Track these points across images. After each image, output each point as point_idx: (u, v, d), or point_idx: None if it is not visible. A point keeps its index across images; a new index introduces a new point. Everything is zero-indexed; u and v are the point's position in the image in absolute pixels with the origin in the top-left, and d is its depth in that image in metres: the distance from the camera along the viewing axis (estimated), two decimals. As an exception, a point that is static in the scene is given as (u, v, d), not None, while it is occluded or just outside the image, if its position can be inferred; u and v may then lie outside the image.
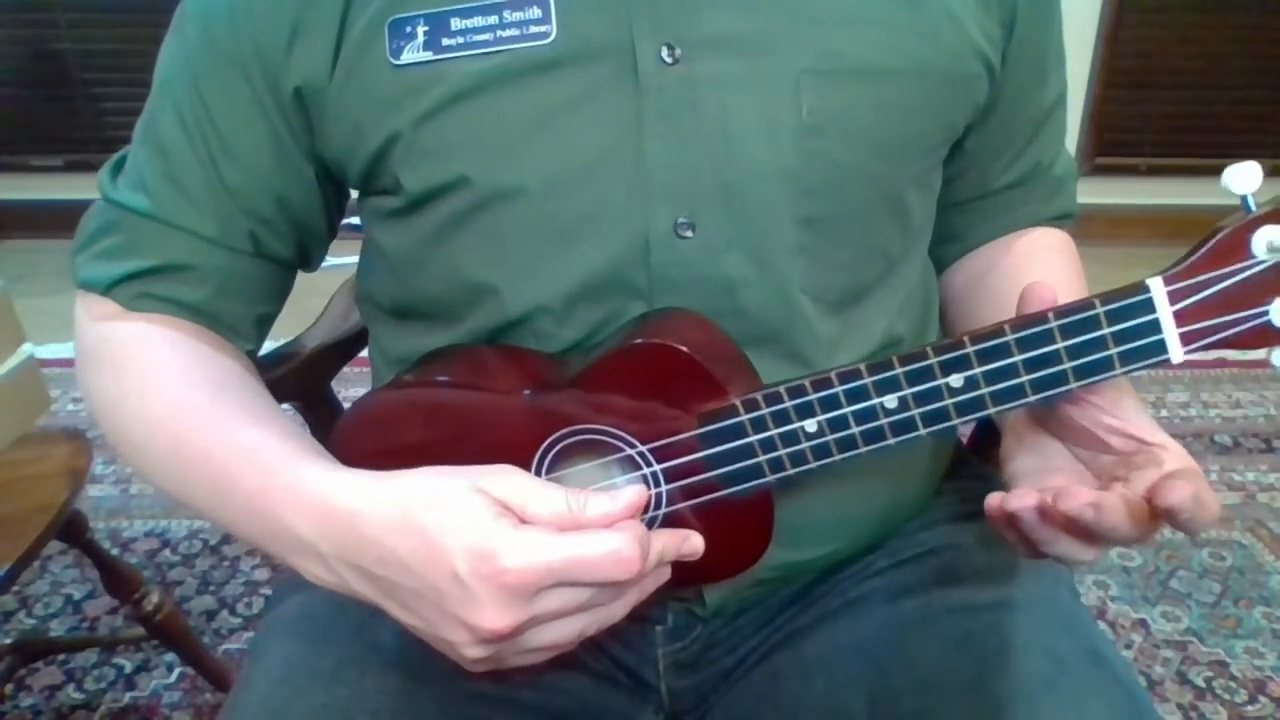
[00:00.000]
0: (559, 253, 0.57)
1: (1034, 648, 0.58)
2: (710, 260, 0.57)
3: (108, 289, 0.62)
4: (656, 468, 0.54)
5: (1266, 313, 0.46)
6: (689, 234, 0.57)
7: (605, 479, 0.56)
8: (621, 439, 0.54)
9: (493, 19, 0.55)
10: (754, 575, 0.64)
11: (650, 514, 0.55)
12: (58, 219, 2.92)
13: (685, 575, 0.55)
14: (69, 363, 2.32)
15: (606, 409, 0.54)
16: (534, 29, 0.55)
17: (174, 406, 0.59)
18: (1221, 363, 2.33)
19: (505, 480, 0.50)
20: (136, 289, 0.62)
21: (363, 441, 0.58)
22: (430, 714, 0.60)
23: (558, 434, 0.55)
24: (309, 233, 0.66)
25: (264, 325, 0.68)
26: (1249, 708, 1.42)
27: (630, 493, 0.50)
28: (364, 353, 0.90)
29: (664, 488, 0.55)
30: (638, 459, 0.54)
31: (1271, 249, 0.44)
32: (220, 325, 0.64)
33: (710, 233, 0.57)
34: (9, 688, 1.41)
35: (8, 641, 1.44)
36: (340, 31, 0.57)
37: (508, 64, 0.55)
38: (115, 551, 1.52)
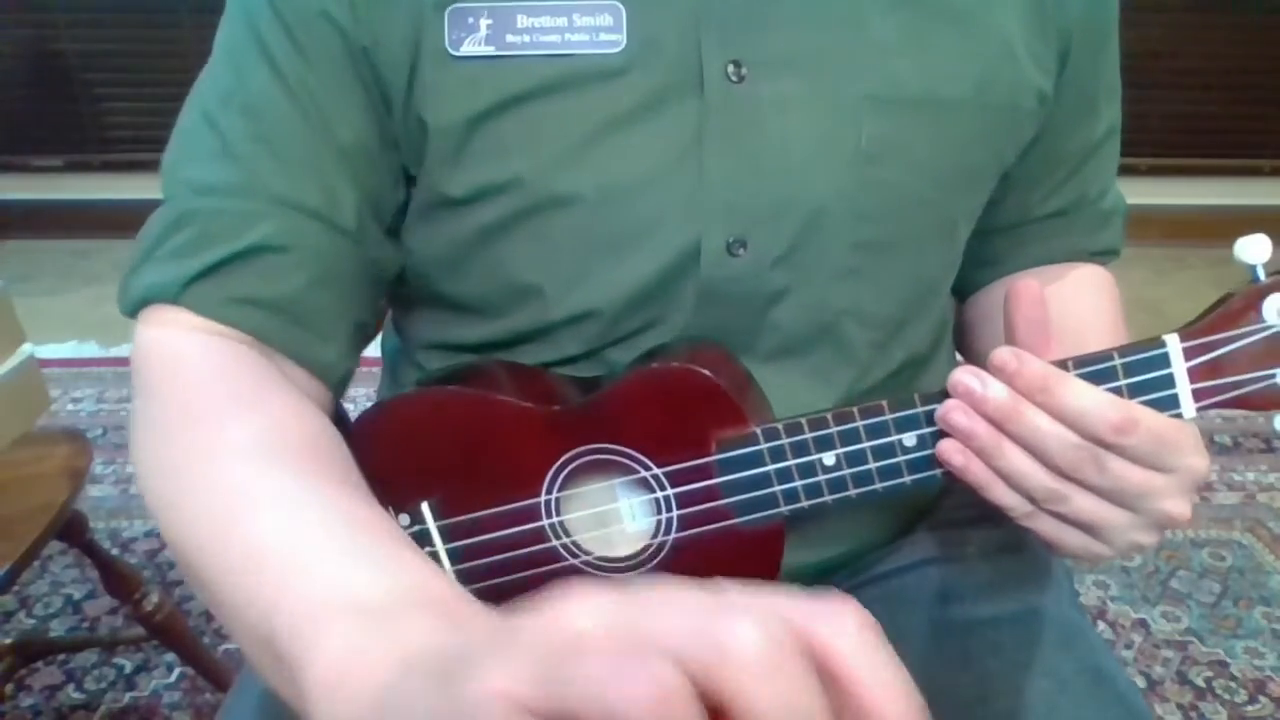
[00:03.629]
0: (608, 261, 0.57)
1: (1035, 666, 0.58)
2: (759, 278, 0.57)
3: (180, 293, 0.52)
4: (670, 491, 0.54)
5: (1274, 376, 0.48)
6: (741, 252, 0.56)
7: (616, 500, 0.56)
8: (637, 460, 0.54)
9: (562, 20, 0.53)
10: None
11: (659, 539, 0.55)
12: (58, 219, 2.95)
13: None
14: (69, 363, 2.30)
15: (624, 429, 0.54)
16: (604, 36, 0.54)
17: (237, 484, 0.46)
18: (1221, 363, 2.34)
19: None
20: (215, 291, 0.53)
21: (382, 443, 0.57)
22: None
23: (573, 452, 0.55)
24: (398, 220, 0.60)
25: (358, 337, 0.60)
26: (1249, 708, 1.42)
27: None
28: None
29: (675, 512, 0.54)
30: (651, 482, 0.54)
31: None
32: (309, 331, 0.55)
33: (762, 252, 0.57)
34: (9, 688, 1.41)
35: (8, 641, 1.43)
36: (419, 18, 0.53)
37: (574, 69, 0.54)
38: (115, 551, 1.52)
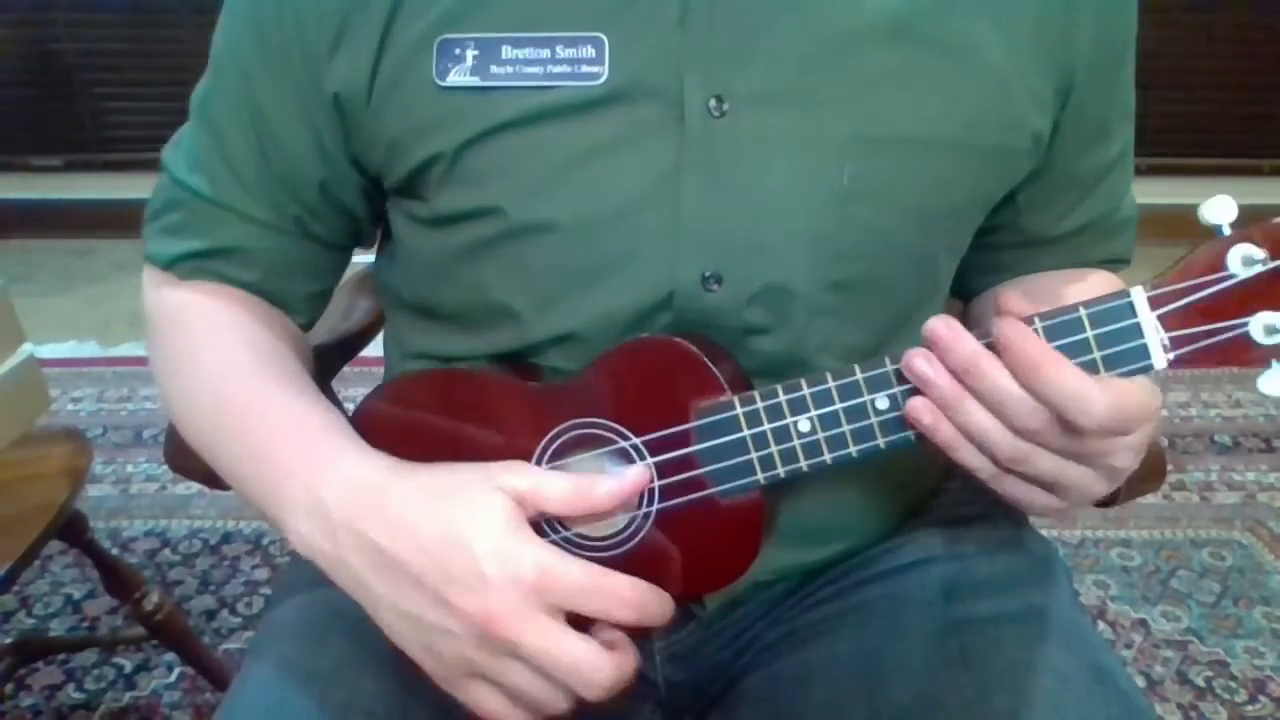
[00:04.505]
0: (584, 290, 0.58)
1: (1037, 664, 0.58)
2: (734, 314, 0.57)
3: (168, 265, 0.65)
4: (650, 460, 0.54)
5: (1246, 324, 0.47)
6: (716, 287, 0.57)
7: (595, 471, 0.56)
8: (617, 432, 0.55)
9: (545, 53, 0.55)
10: (752, 578, 0.65)
11: (643, 510, 0.55)
12: (58, 219, 2.95)
13: (673, 588, 0.55)
14: (69, 363, 2.31)
15: (606, 403, 0.54)
16: (586, 68, 0.54)
17: (224, 366, 0.62)
18: (1221, 363, 2.33)
19: (518, 475, 0.52)
20: (193, 266, 0.65)
21: (380, 424, 0.60)
22: (426, 716, 0.60)
23: (560, 427, 0.55)
24: (355, 218, 0.67)
25: (317, 301, 0.70)
26: (1249, 708, 1.42)
27: (634, 471, 0.53)
28: (364, 352, 0.90)
29: (656, 483, 0.55)
30: (631, 453, 0.55)
31: (1247, 262, 0.46)
32: (273, 302, 0.67)
33: (738, 287, 0.57)
34: (9, 688, 1.41)
35: (8, 641, 1.44)
36: (381, 43, 0.56)
37: (556, 100, 0.55)
38: (115, 551, 1.51)
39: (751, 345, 0.59)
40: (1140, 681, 1.45)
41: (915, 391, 0.50)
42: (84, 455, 1.14)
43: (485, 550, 0.49)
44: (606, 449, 0.55)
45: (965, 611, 0.62)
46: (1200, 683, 1.46)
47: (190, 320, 0.65)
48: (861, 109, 0.55)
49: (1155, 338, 0.48)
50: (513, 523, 0.50)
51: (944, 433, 0.50)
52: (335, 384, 0.90)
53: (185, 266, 0.65)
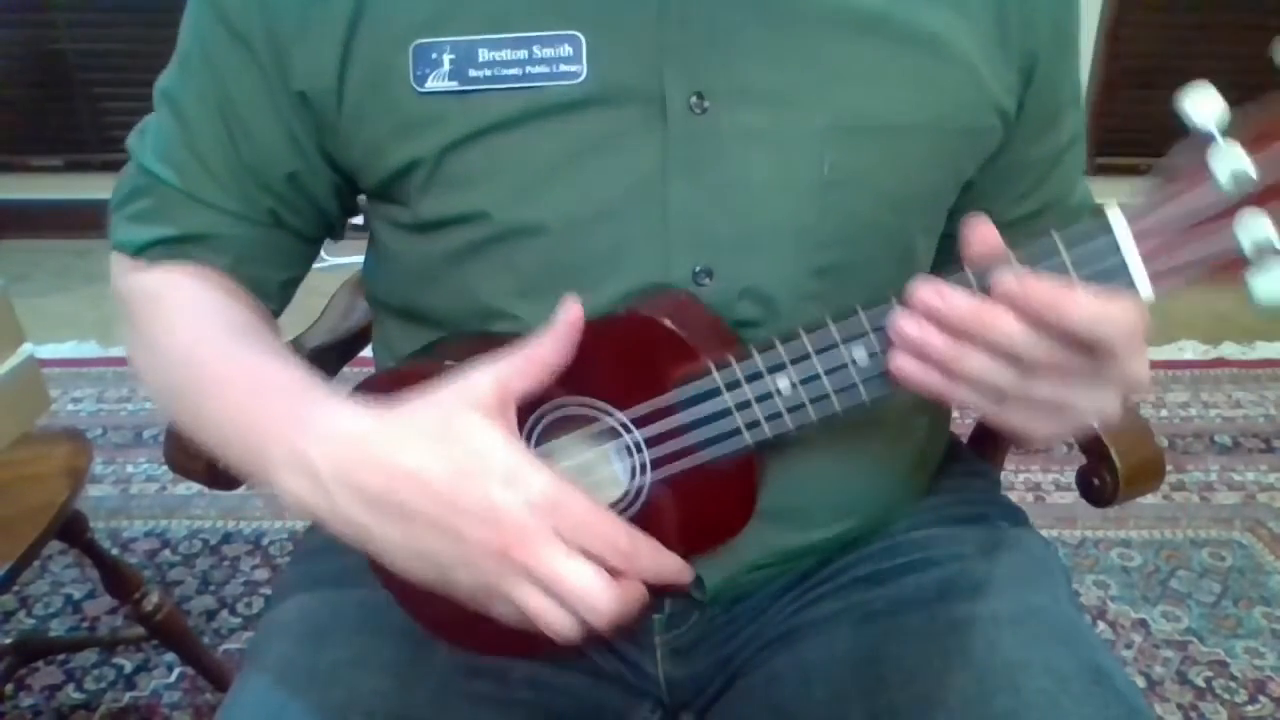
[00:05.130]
0: (575, 289, 0.57)
1: (1036, 664, 0.58)
2: (724, 305, 0.57)
3: (138, 252, 0.65)
4: (637, 434, 0.54)
5: (1233, 235, 0.44)
6: (706, 281, 0.57)
7: (588, 450, 0.56)
8: (602, 410, 0.55)
9: (522, 53, 0.54)
10: (752, 560, 0.65)
11: (637, 482, 0.55)
12: (58, 219, 2.95)
13: (672, 547, 0.56)
14: (69, 363, 2.31)
15: (587, 382, 0.54)
16: (564, 68, 0.54)
17: (197, 338, 0.61)
18: (1221, 362, 2.34)
19: (485, 386, 0.51)
20: (163, 252, 0.64)
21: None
22: (426, 716, 0.60)
23: (542, 409, 0.55)
24: (325, 211, 0.66)
25: (288, 288, 0.70)
26: (1249, 708, 1.42)
27: (566, 310, 0.53)
28: (364, 352, 0.90)
29: (646, 455, 0.55)
30: (619, 429, 0.55)
31: (1236, 179, 0.43)
32: (246, 286, 0.66)
33: (727, 281, 0.57)
34: (9, 688, 1.41)
35: (8, 641, 1.44)
36: (347, 45, 0.56)
37: (535, 102, 0.55)
38: (115, 551, 1.51)
39: (743, 337, 0.58)
40: (1140, 681, 1.45)
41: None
42: (84, 455, 1.14)
43: (495, 480, 0.48)
44: (592, 428, 0.55)
45: (964, 611, 0.62)
46: (1200, 683, 1.46)
47: (164, 299, 0.64)
48: (837, 100, 0.56)
49: (1136, 259, 0.45)
50: (512, 443, 0.50)
51: (935, 384, 0.49)
52: (335, 384, 0.90)
53: (155, 252, 0.64)
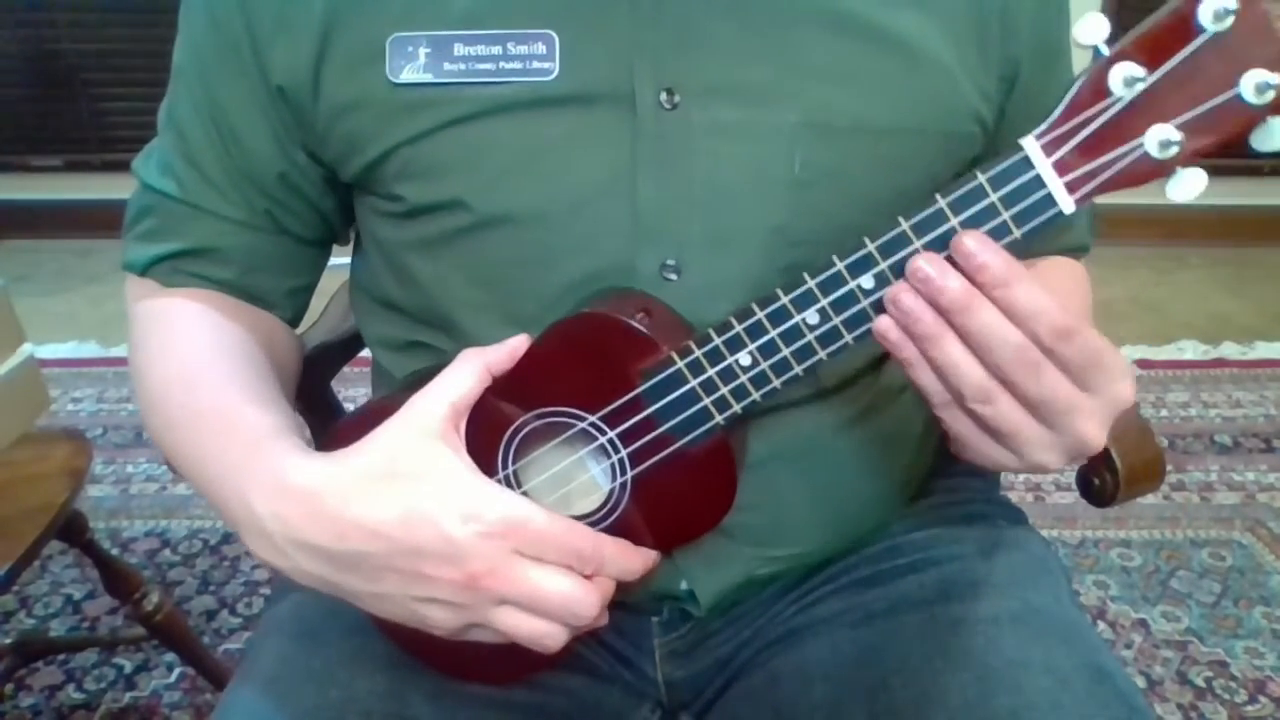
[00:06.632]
0: (544, 283, 0.58)
1: (1036, 664, 0.58)
2: (694, 302, 0.57)
3: (144, 270, 0.66)
4: (611, 434, 0.55)
5: (1142, 144, 0.47)
6: (674, 277, 0.57)
7: (566, 458, 0.57)
8: (573, 415, 0.55)
9: (496, 49, 0.55)
10: (747, 576, 0.65)
11: (619, 480, 0.56)
12: (58, 219, 2.95)
13: (664, 538, 0.56)
14: (69, 363, 2.31)
15: (554, 392, 0.55)
16: (537, 64, 0.55)
17: (184, 369, 0.62)
18: (1221, 362, 2.34)
19: (432, 409, 0.52)
20: (169, 269, 0.65)
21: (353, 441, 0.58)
22: (422, 715, 0.60)
23: (517, 423, 0.56)
24: (323, 212, 0.67)
25: (298, 296, 0.70)
26: (1249, 708, 1.42)
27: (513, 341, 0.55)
28: (364, 352, 0.90)
29: (624, 453, 0.55)
30: (593, 431, 0.55)
31: (1129, 82, 0.46)
32: (253, 299, 0.67)
33: (696, 277, 0.58)
34: (9, 688, 1.41)
35: (8, 641, 1.44)
36: (323, 38, 0.57)
37: (508, 95, 0.56)
38: (115, 551, 1.52)
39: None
40: (1140, 682, 1.45)
41: (842, 302, 0.50)
42: (84, 455, 1.14)
43: (449, 516, 0.49)
44: (567, 435, 0.56)
45: (965, 611, 0.62)
46: (1200, 683, 1.46)
47: (162, 326, 0.65)
48: (808, 98, 0.56)
49: (1057, 182, 0.48)
50: (462, 468, 0.50)
51: (909, 353, 0.49)
52: (335, 384, 0.90)
53: (161, 269, 0.65)
